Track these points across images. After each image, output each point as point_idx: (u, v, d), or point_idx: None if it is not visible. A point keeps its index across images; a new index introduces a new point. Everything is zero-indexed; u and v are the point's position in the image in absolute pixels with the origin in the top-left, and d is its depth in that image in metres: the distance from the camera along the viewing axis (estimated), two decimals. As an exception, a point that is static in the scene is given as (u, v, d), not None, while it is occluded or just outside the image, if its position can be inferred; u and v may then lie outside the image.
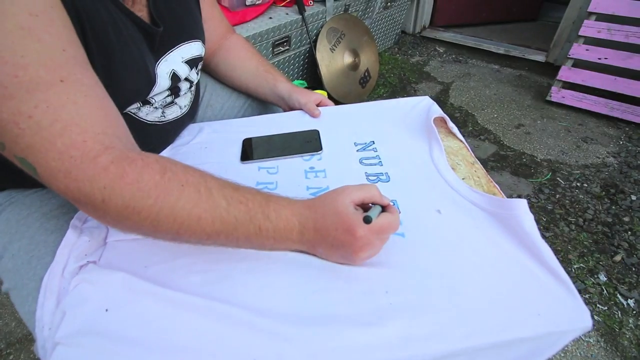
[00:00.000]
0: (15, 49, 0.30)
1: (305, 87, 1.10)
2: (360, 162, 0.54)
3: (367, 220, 0.34)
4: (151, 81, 0.47)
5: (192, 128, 0.62)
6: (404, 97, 0.67)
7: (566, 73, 1.54)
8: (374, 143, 0.57)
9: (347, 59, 1.60)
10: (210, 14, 0.62)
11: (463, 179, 0.49)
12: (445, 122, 0.60)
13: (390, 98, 0.74)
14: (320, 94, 0.68)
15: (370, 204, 0.38)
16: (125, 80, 0.43)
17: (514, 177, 1.27)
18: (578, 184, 1.23)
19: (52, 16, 0.32)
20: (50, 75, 0.31)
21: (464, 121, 1.57)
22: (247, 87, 0.68)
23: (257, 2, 1.35)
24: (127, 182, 0.32)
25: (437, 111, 0.59)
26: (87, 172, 0.31)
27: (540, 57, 1.90)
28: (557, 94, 1.60)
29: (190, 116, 0.60)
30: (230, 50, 0.68)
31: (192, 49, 0.54)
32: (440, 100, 1.71)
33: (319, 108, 0.64)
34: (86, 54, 0.36)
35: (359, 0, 1.69)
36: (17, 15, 0.30)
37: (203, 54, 0.57)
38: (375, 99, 0.69)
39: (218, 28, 0.66)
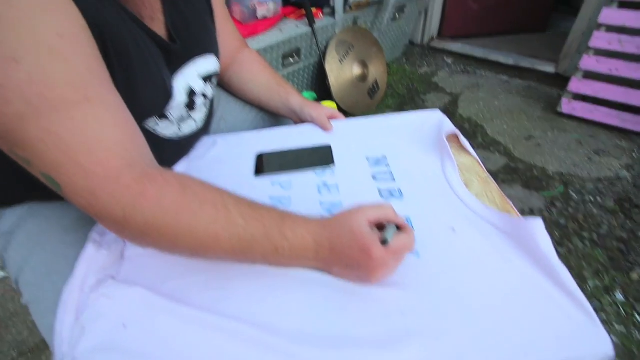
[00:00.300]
0: (43, 69, 0.31)
1: (315, 99, 1.11)
2: (373, 178, 0.54)
3: (384, 242, 0.34)
4: (168, 95, 0.48)
5: (206, 141, 0.63)
6: (412, 108, 0.67)
7: (576, 84, 1.53)
8: (386, 159, 0.57)
9: (356, 70, 1.62)
10: (225, 29, 0.64)
11: (476, 196, 0.49)
12: (457, 138, 0.60)
13: (399, 109, 0.74)
14: (329, 105, 0.69)
15: (385, 223, 0.38)
16: (143, 94, 0.44)
17: (525, 191, 1.26)
18: (591, 198, 1.21)
19: (78, 36, 0.33)
20: (77, 94, 0.32)
21: (474, 132, 1.56)
22: (259, 101, 0.69)
23: (268, 15, 1.38)
24: (147, 199, 0.32)
25: (449, 127, 0.60)
26: (109, 190, 0.32)
27: (549, 68, 1.89)
28: (568, 106, 1.58)
29: (204, 130, 0.61)
30: (243, 64, 0.69)
31: (207, 63, 0.55)
32: (449, 111, 1.71)
33: (331, 121, 0.65)
34: (108, 70, 0.37)
35: (367, 13, 1.71)
36: (45, 36, 0.31)
37: (218, 70, 0.58)
38: (383, 110, 0.69)
39: (232, 42, 0.67)
